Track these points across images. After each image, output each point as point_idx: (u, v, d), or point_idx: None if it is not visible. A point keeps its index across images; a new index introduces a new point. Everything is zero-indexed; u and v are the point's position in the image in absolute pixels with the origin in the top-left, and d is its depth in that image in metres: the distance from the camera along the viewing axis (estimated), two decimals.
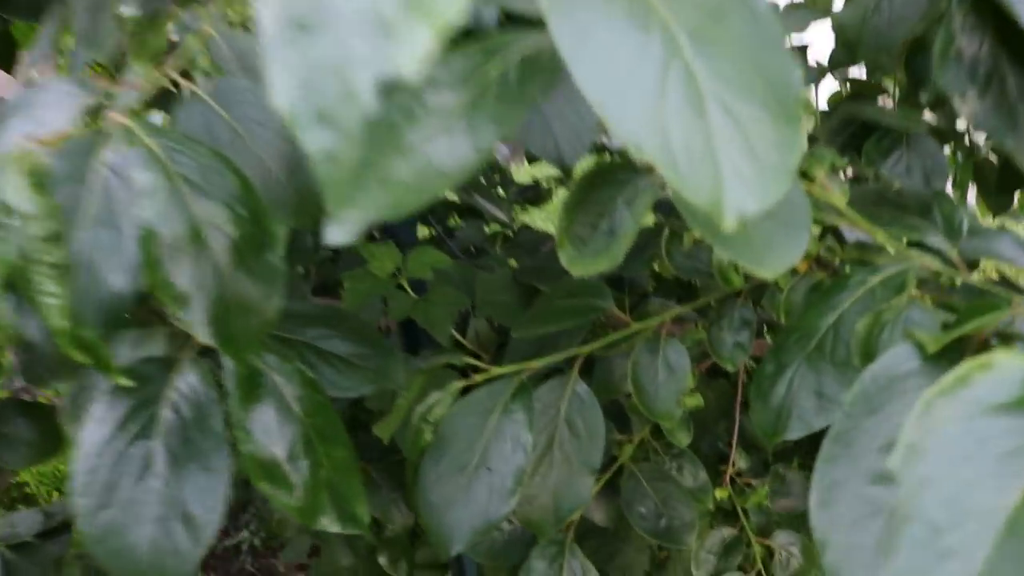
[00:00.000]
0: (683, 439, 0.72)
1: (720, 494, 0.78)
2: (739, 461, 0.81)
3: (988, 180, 0.96)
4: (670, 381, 0.54)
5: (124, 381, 0.42)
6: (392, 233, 0.83)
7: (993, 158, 0.94)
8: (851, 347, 0.40)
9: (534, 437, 0.53)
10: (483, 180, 1.49)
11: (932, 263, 0.45)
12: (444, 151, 0.31)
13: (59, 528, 0.87)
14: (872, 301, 0.41)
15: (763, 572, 0.75)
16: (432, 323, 0.72)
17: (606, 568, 1.19)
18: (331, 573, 1.06)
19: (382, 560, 1.04)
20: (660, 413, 0.54)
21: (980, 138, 0.98)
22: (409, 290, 0.78)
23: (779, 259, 0.32)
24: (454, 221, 1.19)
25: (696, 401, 0.71)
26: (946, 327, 0.37)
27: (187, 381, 0.49)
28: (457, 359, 0.55)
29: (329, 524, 0.47)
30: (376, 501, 0.83)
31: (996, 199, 0.93)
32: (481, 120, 0.31)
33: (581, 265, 0.42)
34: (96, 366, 0.41)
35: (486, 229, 1.24)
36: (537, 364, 0.53)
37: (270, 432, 0.47)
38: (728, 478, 0.79)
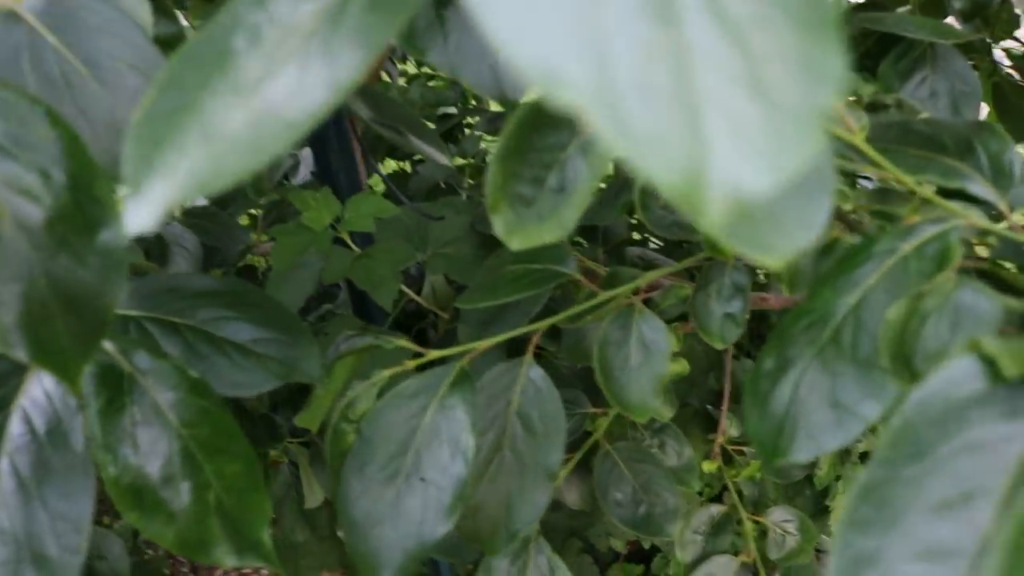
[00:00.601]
0: (666, 413, 0.63)
1: (708, 467, 0.69)
2: (731, 428, 0.72)
3: (1010, 102, 0.86)
4: (645, 365, 0.45)
5: None
6: (329, 177, 0.72)
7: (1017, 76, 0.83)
8: (878, 341, 0.30)
9: (482, 435, 0.44)
10: (455, 108, 1.36)
11: (979, 220, 0.34)
12: (292, 87, 0.21)
13: None
14: (905, 276, 0.31)
15: (756, 553, 0.67)
16: (374, 284, 0.62)
17: (586, 532, 1.12)
18: (286, 548, 0.99)
19: (343, 535, 0.96)
20: (633, 406, 0.44)
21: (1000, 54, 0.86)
22: (352, 245, 0.68)
23: (790, 238, 0.22)
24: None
25: (681, 368, 0.62)
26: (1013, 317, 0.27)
27: (42, 386, 0.39)
28: (384, 341, 0.45)
29: (223, 556, 0.38)
30: (327, 474, 0.75)
31: (1019, 124, 0.82)
32: (343, 37, 0.21)
33: (522, 234, 0.32)
34: None
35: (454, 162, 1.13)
36: (481, 346, 0.43)
37: (139, 450, 0.37)
38: (718, 448, 0.70)
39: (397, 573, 0.41)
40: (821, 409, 0.30)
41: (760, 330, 0.86)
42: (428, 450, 0.41)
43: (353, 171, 0.72)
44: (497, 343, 0.45)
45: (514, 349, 0.53)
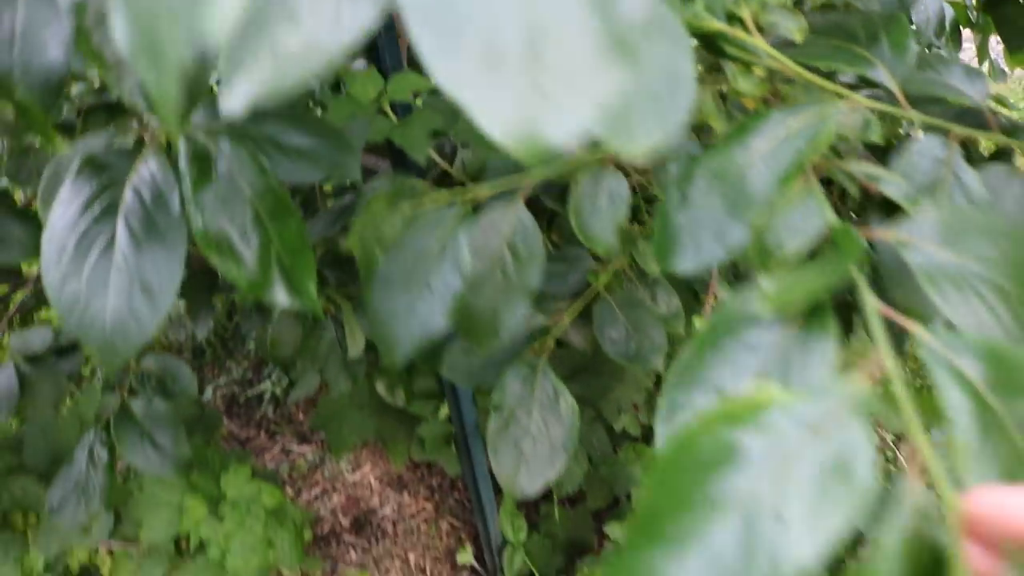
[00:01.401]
0: (653, 267, 0.73)
1: (699, 322, 0.79)
2: (720, 291, 0.81)
3: (1009, 18, 0.91)
4: (609, 210, 0.55)
5: (60, 145, 0.44)
6: (376, 59, 0.82)
7: None
8: (755, 207, 0.38)
9: (481, 259, 0.55)
10: None
11: (864, 100, 0.43)
12: (329, 23, 0.28)
13: (71, 347, 0.93)
14: (787, 152, 0.39)
15: None
16: (410, 144, 0.73)
17: (599, 403, 1.23)
18: (333, 401, 1.12)
19: (379, 387, 1.09)
20: (594, 237, 0.55)
21: None
22: (392, 115, 0.79)
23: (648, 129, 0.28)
24: None
25: None
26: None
27: (149, 167, 0.51)
28: (409, 185, 0.56)
29: (279, 297, 0.49)
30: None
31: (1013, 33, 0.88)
32: None
33: None
34: (36, 130, 0.42)
35: None
36: (483, 192, 0.55)
37: (220, 212, 0.48)
38: (708, 307, 0.80)
39: (408, 351, 0.53)
40: (708, 237, 0.39)
41: None
42: (436, 268, 0.53)
43: (396, 54, 0.83)
44: (500, 191, 0.56)
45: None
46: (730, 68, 0.46)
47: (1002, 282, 0.30)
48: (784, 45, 0.50)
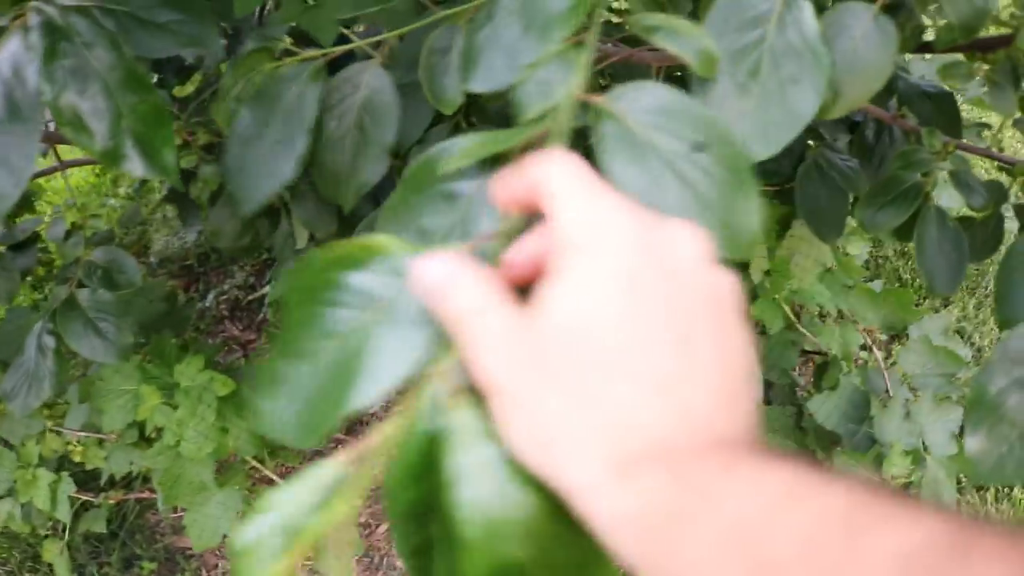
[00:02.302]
0: None
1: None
2: None
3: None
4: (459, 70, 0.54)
5: None
6: None
7: None
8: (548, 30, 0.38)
9: (340, 118, 0.56)
10: None
11: None
12: None
13: (27, 241, 0.96)
14: None
15: None
16: (317, 27, 0.73)
17: None
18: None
19: None
20: (446, 101, 0.55)
21: None
22: None
23: None
24: None
25: None
26: None
27: (11, 45, 0.52)
28: (273, 44, 0.56)
29: (134, 166, 0.50)
30: (304, 209, 0.88)
31: None
32: None
33: None
34: None
35: None
36: (337, 50, 0.55)
37: (70, 85, 0.50)
38: None
39: (261, 201, 0.55)
40: (500, 58, 0.40)
41: None
42: (286, 119, 0.54)
43: None
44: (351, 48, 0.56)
45: None
46: None
47: (707, 165, 0.30)
48: None
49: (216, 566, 1.48)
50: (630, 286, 0.24)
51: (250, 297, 1.92)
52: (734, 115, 0.41)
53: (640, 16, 0.39)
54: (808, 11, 0.42)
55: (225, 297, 1.92)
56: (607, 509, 0.22)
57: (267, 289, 1.87)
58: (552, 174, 0.26)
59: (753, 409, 0.24)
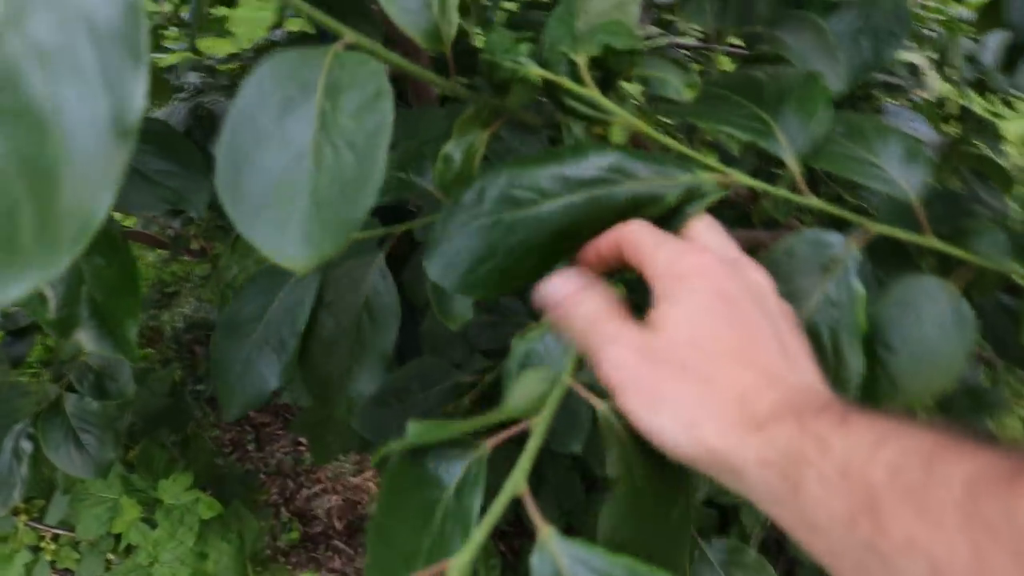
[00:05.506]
0: None
1: None
2: None
3: None
4: None
5: None
6: None
7: None
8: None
9: (336, 318, 0.50)
10: None
11: (739, 177, 0.35)
12: None
13: (28, 328, 0.92)
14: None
15: None
16: None
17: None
18: (314, 426, 1.08)
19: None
20: (451, 315, 0.49)
21: None
22: None
23: None
24: None
25: None
26: None
27: None
28: None
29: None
30: None
31: None
32: None
33: None
34: None
35: None
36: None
37: None
38: None
39: (242, 410, 0.49)
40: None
41: None
42: (275, 321, 0.48)
43: None
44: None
45: None
46: (576, 126, 0.38)
47: None
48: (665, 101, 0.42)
49: None
50: (731, 300, 0.30)
51: None
52: None
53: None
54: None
55: None
56: (753, 457, 0.26)
57: None
58: (634, 229, 0.33)
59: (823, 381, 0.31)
